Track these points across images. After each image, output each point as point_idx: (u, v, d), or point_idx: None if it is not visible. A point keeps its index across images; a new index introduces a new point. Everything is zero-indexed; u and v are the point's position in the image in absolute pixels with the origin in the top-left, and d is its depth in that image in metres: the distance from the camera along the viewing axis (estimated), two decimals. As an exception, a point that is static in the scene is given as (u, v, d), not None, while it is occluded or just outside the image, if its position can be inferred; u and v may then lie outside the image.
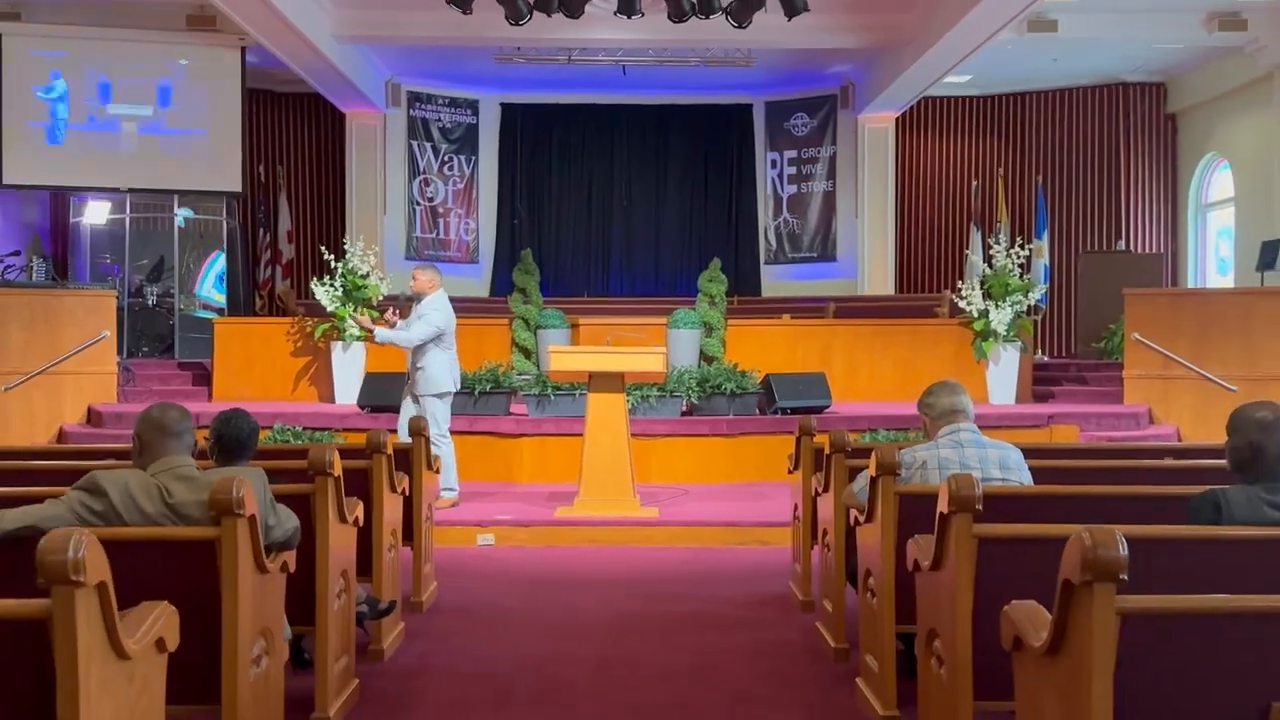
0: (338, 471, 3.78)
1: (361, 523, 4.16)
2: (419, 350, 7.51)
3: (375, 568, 4.59)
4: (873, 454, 3.87)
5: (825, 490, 4.90)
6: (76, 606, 2.17)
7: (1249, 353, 10.36)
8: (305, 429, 8.68)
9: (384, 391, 9.37)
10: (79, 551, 2.16)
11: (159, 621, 2.52)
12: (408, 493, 5.21)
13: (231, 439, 3.66)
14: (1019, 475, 3.91)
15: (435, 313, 7.54)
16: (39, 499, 3.10)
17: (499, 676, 4.33)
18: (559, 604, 5.54)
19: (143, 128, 12.44)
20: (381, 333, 7.63)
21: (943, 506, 3.16)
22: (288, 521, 3.31)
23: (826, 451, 4.83)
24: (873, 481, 3.86)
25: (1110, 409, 10.74)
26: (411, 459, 5.42)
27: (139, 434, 3.14)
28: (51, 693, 2.19)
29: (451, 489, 7.71)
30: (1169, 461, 4.99)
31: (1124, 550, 2.25)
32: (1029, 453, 4.15)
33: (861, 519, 4.05)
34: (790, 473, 5.92)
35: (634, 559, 6.69)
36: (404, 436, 6.67)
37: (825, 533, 4.91)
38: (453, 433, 7.86)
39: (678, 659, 4.58)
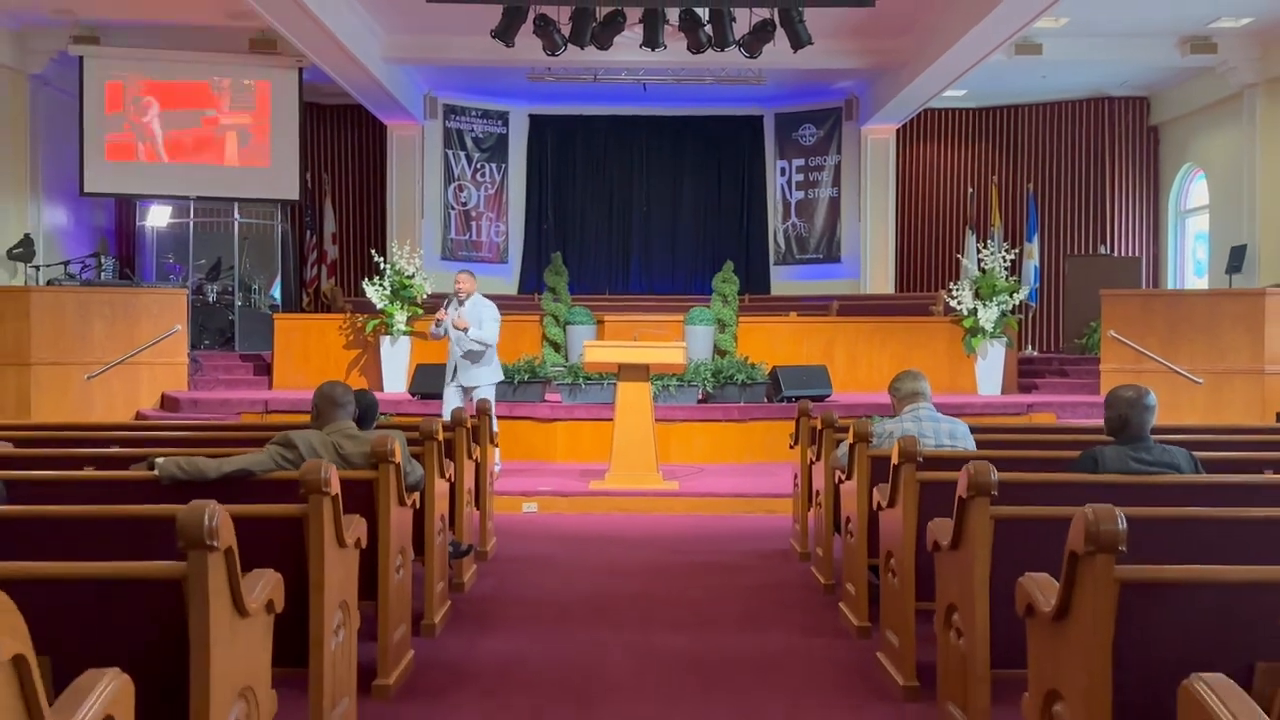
0: (440, 436, 4.95)
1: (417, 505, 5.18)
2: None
3: (458, 520, 5.75)
4: (850, 426, 5.01)
5: (818, 459, 6.06)
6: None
7: (1214, 349, 11.45)
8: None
9: (433, 380, 10.53)
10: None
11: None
12: (479, 461, 6.38)
13: (366, 406, 4.84)
14: (965, 443, 5.04)
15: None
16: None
17: (558, 602, 5.50)
18: (599, 555, 6.71)
19: (206, 140, 13.64)
20: (474, 332, 8.68)
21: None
22: (416, 471, 4.48)
23: (819, 428, 5.98)
24: (851, 448, 5.00)
25: (1086, 398, 11.85)
26: (480, 436, 6.59)
27: (316, 404, 4.29)
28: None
29: (497, 464, 8.89)
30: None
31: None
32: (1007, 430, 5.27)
33: (843, 477, 5.20)
34: (791, 448, 7.07)
35: (658, 523, 7.84)
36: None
37: (818, 493, 6.07)
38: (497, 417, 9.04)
39: (698, 591, 5.74)
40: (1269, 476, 4.54)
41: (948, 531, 3.54)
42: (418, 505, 4.49)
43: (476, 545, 6.50)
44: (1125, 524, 2.47)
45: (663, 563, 6.49)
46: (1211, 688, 1.93)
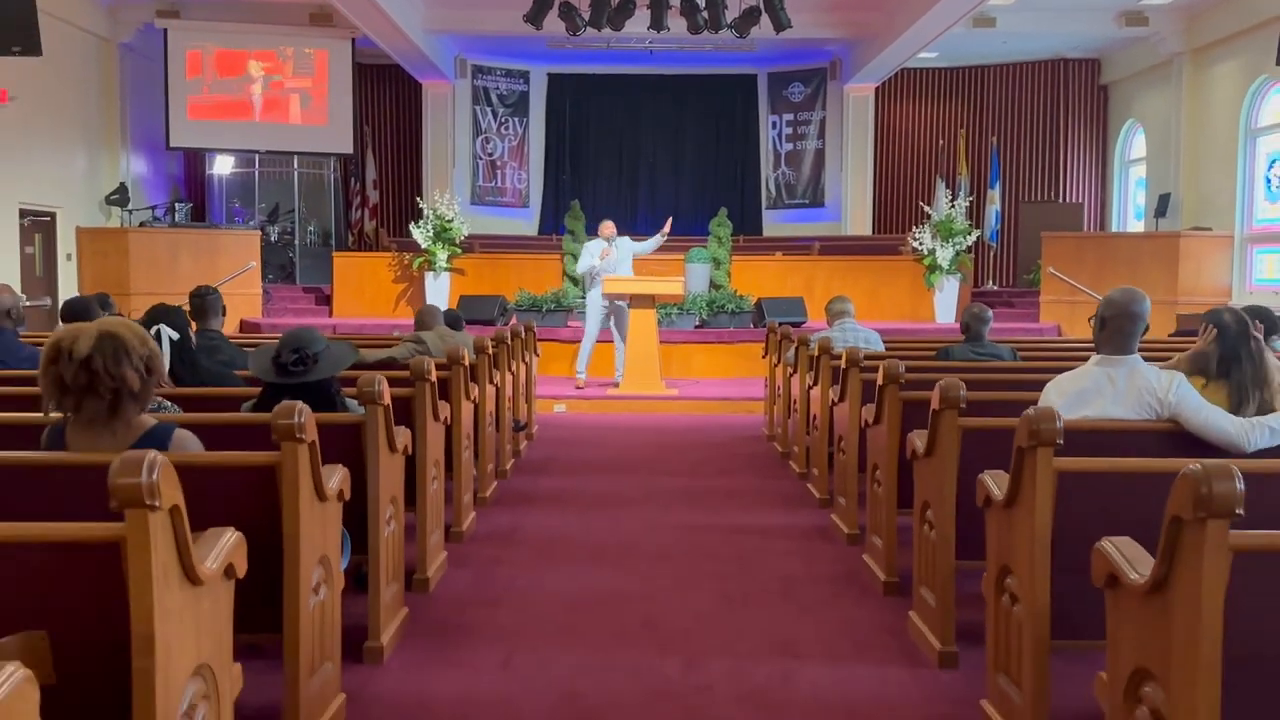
0: (490, 350, 7.12)
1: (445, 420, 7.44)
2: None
3: (515, 406, 7.93)
4: (795, 336, 7.18)
5: (778, 363, 8.24)
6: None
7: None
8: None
9: (477, 307, 12.66)
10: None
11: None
12: (529, 364, 8.57)
13: (454, 319, 7.00)
14: (875, 346, 7.18)
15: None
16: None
17: (588, 462, 7.72)
18: (616, 438, 8.91)
19: (273, 102, 15.68)
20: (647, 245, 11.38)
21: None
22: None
23: (779, 340, 8.15)
24: (795, 350, 7.16)
25: (1028, 325, 14.04)
26: (527, 345, 8.74)
27: (420, 315, 6.46)
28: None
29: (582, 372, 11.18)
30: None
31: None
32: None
33: (790, 372, 7.37)
34: (763, 357, 9.25)
35: (662, 420, 10.03)
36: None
37: (778, 387, 8.25)
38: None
39: (692, 457, 7.95)
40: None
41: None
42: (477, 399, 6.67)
43: (527, 425, 8.72)
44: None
45: (664, 441, 8.71)
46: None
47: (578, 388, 11.02)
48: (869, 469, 5.11)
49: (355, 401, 3.87)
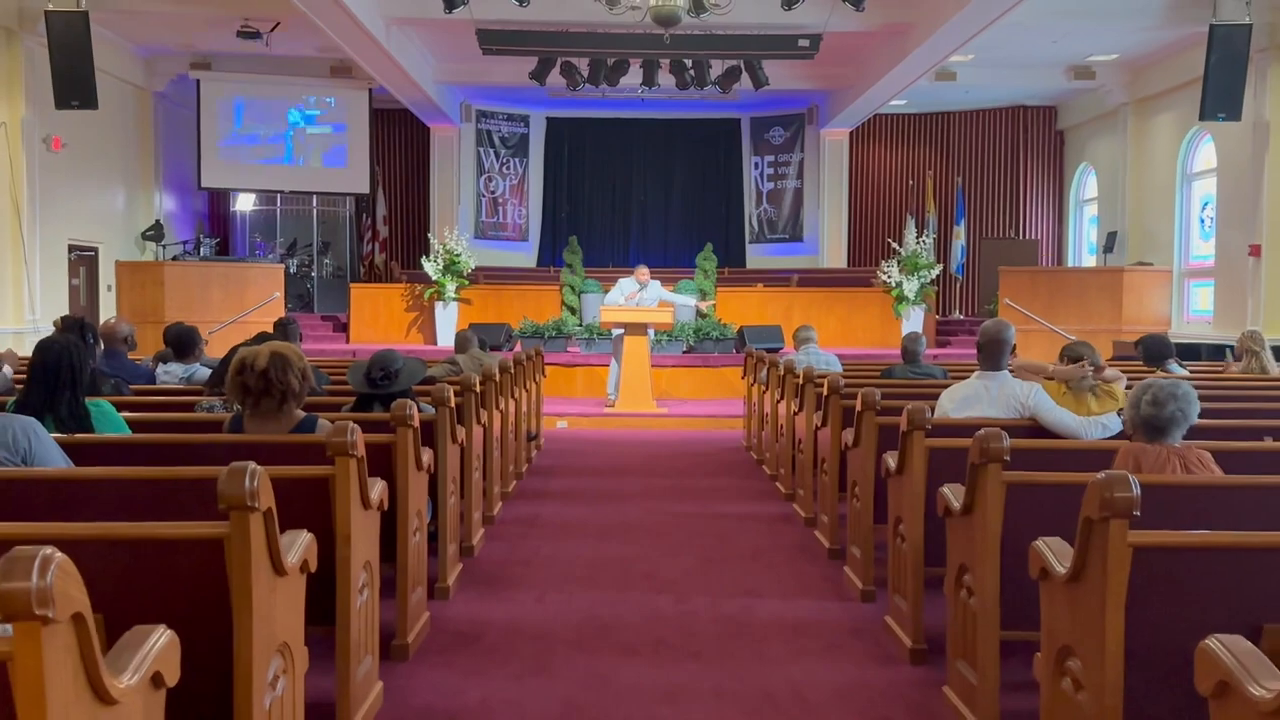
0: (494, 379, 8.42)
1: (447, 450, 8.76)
2: None
3: (532, 421, 9.21)
4: (767, 359, 8.49)
5: (754, 383, 9.55)
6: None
7: (1084, 313, 14.96)
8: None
9: (485, 334, 13.91)
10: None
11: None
12: (537, 386, 9.86)
13: (482, 343, 8.29)
14: (834, 368, 8.48)
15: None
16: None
17: (594, 467, 9.01)
18: (613, 449, 10.20)
19: (296, 146, 17.05)
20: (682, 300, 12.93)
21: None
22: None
23: (755, 363, 9.46)
24: (766, 370, 8.47)
25: (985, 352, 15.37)
26: (537, 367, 10.04)
27: (459, 342, 7.75)
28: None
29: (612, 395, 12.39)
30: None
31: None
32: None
33: (764, 390, 8.69)
34: (742, 379, 10.56)
35: (653, 435, 11.32)
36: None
37: (754, 404, 9.56)
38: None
39: (680, 463, 9.25)
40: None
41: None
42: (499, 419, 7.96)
43: (537, 435, 10.00)
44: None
45: (655, 452, 10.00)
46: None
47: (608, 407, 12.24)
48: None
49: (429, 404, 5.16)
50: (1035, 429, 4.91)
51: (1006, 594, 3.50)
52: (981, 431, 3.55)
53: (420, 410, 5.25)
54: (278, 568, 2.74)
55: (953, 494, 3.80)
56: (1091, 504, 2.63)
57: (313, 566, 3.05)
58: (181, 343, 6.76)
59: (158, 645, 2.14)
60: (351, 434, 3.50)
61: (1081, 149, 18.77)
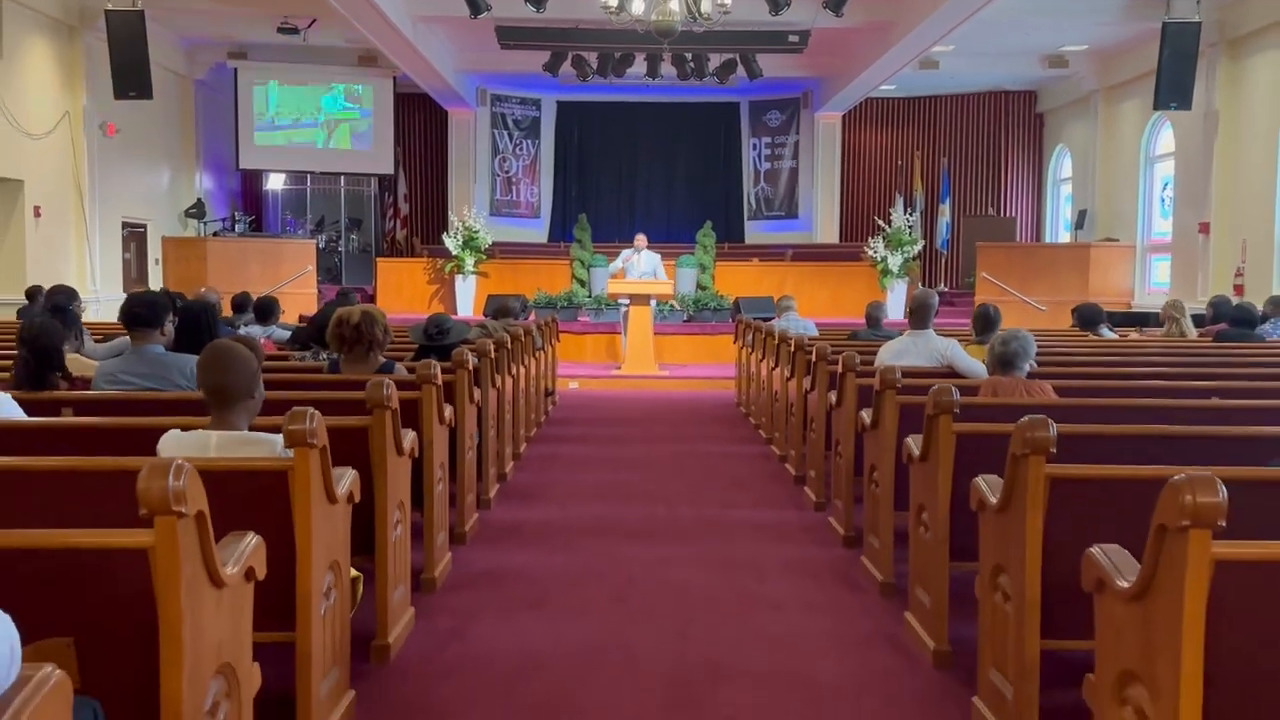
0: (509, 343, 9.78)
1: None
2: None
3: (549, 379, 10.56)
4: (753, 325, 9.81)
5: (743, 347, 10.89)
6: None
7: (1054, 286, 16.22)
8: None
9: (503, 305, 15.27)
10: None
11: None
12: (552, 350, 11.21)
13: (512, 310, 9.63)
14: (810, 333, 9.80)
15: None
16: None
17: (603, 419, 10.38)
18: (621, 406, 11.56)
19: (327, 129, 18.36)
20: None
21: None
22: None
23: (743, 329, 10.79)
24: (751, 334, 9.80)
25: (963, 320, 16.64)
26: (553, 333, 11.37)
27: (489, 309, 9.07)
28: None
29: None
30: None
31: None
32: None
33: (750, 352, 10.03)
34: (734, 344, 11.90)
35: (656, 395, 12.67)
36: None
37: (746, 366, 10.90)
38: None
39: (678, 417, 10.61)
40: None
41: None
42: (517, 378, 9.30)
43: (553, 392, 11.36)
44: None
45: (658, 409, 11.37)
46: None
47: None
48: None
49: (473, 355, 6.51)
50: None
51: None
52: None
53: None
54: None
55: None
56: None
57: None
58: (264, 309, 8.14)
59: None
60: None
61: (1059, 131, 19.99)
